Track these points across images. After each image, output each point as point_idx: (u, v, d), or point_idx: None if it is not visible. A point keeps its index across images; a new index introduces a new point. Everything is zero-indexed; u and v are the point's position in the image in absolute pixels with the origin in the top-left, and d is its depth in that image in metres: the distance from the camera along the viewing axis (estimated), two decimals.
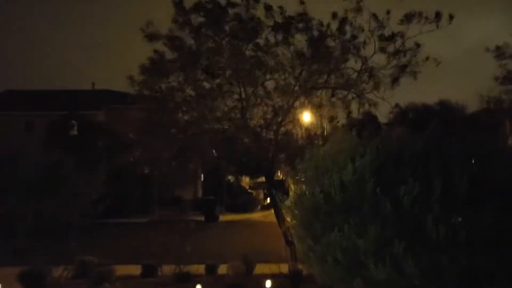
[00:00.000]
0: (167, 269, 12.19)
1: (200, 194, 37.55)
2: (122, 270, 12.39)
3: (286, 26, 12.30)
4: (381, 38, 12.59)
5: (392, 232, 4.86)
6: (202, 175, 37.32)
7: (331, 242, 4.92)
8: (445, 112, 30.05)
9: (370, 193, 4.70)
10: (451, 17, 12.33)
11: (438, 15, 12.19)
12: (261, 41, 12.54)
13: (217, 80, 12.83)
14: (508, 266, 4.82)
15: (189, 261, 12.23)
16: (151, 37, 12.36)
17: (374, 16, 12.45)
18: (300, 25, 12.27)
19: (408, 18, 12.25)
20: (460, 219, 4.80)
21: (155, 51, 12.55)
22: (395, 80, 12.67)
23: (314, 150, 6.09)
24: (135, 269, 12.56)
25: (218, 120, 13.15)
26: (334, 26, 12.49)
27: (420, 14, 12.28)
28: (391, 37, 12.39)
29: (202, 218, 28.51)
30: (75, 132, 29.33)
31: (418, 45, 12.58)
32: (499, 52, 20.20)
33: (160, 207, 30.58)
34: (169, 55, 12.66)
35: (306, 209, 5.22)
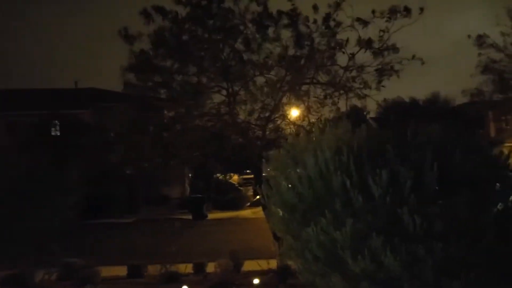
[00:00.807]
0: (154, 269, 12.01)
1: (188, 192, 37.32)
2: (108, 271, 12.25)
3: (274, 21, 12.19)
4: (362, 41, 12.56)
5: (367, 225, 4.82)
6: (190, 173, 37.10)
7: (309, 238, 4.84)
8: (430, 106, 30.30)
9: (338, 187, 4.65)
10: (421, 9, 12.45)
11: (407, 9, 12.31)
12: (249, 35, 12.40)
13: (205, 75, 12.67)
14: (482, 255, 4.82)
15: (177, 260, 12.08)
16: (131, 39, 12.15)
17: (358, 19, 12.43)
18: (287, 21, 12.17)
19: (391, 12, 12.28)
20: (437, 208, 4.77)
21: (142, 51, 12.33)
22: (379, 82, 12.75)
23: (283, 146, 6.05)
24: (121, 270, 12.38)
25: (204, 116, 13.00)
26: (319, 21, 12.41)
27: (394, 9, 12.33)
28: (376, 41, 12.36)
29: (190, 217, 28.33)
30: (58, 132, 28.89)
31: (394, 47, 12.64)
32: (480, 41, 20.44)
33: (147, 206, 30.32)
34: (154, 51, 12.46)
35: (282, 205, 5.12)
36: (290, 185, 5.14)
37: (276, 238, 12.54)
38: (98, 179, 23.27)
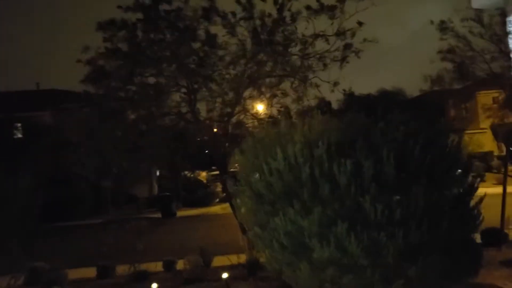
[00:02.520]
0: (123, 269, 11.93)
1: (156, 190, 36.94)
2: (77, 273, 12.10)
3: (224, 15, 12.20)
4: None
5: (333, 213, 5.02)
6: (158, 172, 36.74)
7: (276, 227, 4.99)
8: (390, 97, 31.03)
9: (306, 177, 4.81)
10: None
11: None
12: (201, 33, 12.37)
13: (163, 75, 12.61)
14: (439, 240, 5.09)
15: (147, 259, 12.03)
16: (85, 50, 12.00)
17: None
18: (243, 13, 12.19)
19: None
20: (398, 197, 5.02)
21: (93, 59, 12.15)
22: (342, 60, 12.75)
23: (250, 139, 6.16)
24: (90, 272, 12.23)
25: (165, 116, 12.94)
26: (273, 12, 12.43)
27: None
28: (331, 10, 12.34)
29: (159, 215, 28.13)
30: (19, 135, 28.07)
31: (360, 24, 12.65)
32: (443, 26, 20.96)
33: (115, 207, 29.88)
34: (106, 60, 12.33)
35: (250, 197, 5.24)
36: (259, 176, 5.27)
37: (244, 232, 12.66)
38: (62, 181, 22.79)
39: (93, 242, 16.39)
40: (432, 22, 21.74)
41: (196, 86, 12.55)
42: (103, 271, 12.15)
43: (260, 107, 13.93)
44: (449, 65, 22.65)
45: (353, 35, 12.60)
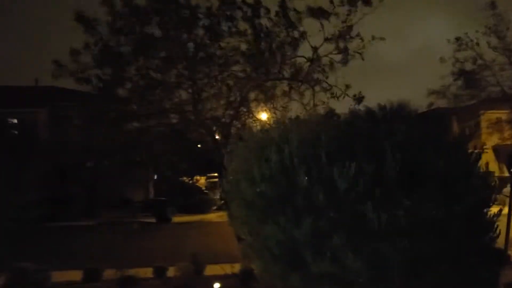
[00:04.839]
0: (111, 273, 11.48)
1: (152, 195, 36.48)
2: (63, 276, 11.64)
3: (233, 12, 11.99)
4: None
5: (329, 223, 4.59)
6: (155, 176, 36.32)
7: (267, 236, 4.55)
8: (398, 111, 30.62)
9: (301, 181, 4.49)
10: None
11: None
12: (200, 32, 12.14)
13: (170, 71, 12.34)
14: (450, 252, 4.66)
15: (137, 264, 11.64)
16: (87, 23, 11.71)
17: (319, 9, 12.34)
18: (249, 12, 11.95)
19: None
20: (408, 202, 4.58)
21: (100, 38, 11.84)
22: (344, 62, 12.61)
23: (241, 144, 5.74)
24: (77, 275, 11.79)
25: (167, 112, 12.65)
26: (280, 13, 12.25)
27: None
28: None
29: (154, 220, 27.71)
30: (15, 131, 27.70)
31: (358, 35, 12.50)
32: (460, 43, 20.51)
33: (109, 209, 29.41)
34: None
35: (240, 204, 4.82)
36: (250, 181, 4.84)
37: (240, 240, 12.25)
38: (57, 180, 22.38)
39: (83, 243, 15.98)
40: (448, 41, 21.31)
41: (201, 85, 12.28)
42: (90, 275, 11.71)
43: (263, 111, 13.63)
44: (458, 82, 22.24)
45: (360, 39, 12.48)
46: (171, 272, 11.83)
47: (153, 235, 20.50)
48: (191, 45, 11.76)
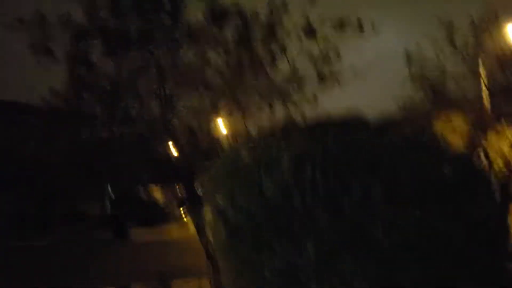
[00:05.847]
0: None
1: (108, 208, 35.09)
2: None
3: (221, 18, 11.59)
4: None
5: (333, 245, 4.09)
6: (110, 188, 34.92)
7: (262, 265, 4.02)
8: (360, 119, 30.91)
9: (298, 204, 3.93)
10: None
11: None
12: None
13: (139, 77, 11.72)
14: (469, 273, 4.23)
15: (100, 283, 10.95)
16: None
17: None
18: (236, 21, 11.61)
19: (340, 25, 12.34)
20: (419, 213, 4.18)
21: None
22: (321, 80, 12.60)
23: (226, 158, 5.09)
24: None
25: (131, 121, 12.00)
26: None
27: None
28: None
29: (111, 235, 26.64)
30: None
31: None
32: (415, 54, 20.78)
33: (62, 225, 27.86)
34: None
35: (222, 230, 4.26)
36: (237, 208, 4.26)
37: (210, 257, 11.71)
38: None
39: (37, 265, 14.89)
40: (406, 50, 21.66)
41: (169, 93, 11.75)
42: None
43: (233, 121, 13.22)
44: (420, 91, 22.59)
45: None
46: None
47: (112, 252, 19.57)
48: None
